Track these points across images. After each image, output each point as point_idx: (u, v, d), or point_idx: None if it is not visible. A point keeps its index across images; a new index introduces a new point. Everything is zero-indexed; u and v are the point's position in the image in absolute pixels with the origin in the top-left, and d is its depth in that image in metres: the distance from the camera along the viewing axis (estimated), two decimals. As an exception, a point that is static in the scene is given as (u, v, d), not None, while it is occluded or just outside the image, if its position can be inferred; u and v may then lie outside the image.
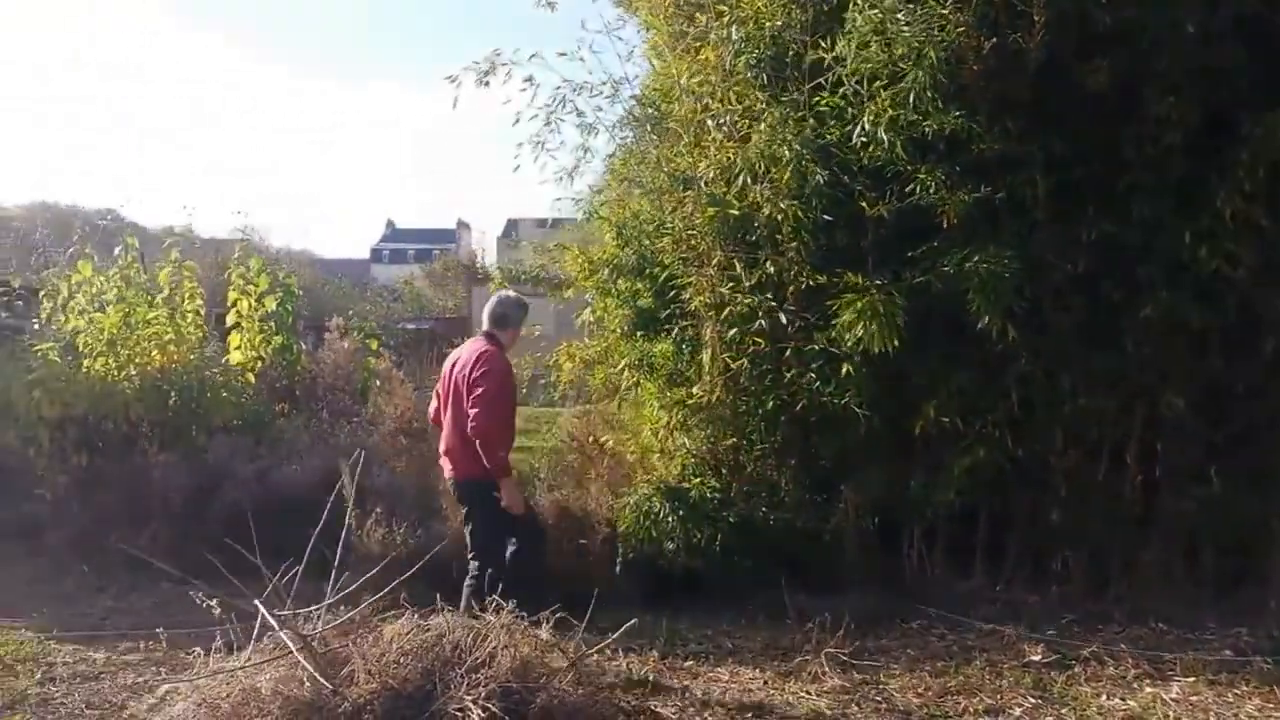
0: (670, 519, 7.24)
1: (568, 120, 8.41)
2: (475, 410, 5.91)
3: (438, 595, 5.12)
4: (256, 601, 4.36)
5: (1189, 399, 6.65)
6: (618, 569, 7.50)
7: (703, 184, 7.45)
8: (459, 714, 3.60)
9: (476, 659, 3.82)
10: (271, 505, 8.09)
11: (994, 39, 6.42)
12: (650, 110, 8.33)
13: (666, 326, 8.03)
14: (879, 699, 5.69)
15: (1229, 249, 6.33)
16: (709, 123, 7.41)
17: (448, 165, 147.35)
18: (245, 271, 9.92)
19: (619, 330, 8.38)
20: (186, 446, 8.66)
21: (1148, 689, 5.76)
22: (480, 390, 5.92)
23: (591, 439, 9.13)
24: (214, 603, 4.70)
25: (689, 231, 7.55)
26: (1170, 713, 5.42)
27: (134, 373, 8.95)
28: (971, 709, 5.55)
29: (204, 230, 20.40)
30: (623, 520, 7.37)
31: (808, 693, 5.74)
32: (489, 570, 5.93)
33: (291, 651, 3.81)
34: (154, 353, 9.05)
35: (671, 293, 7.84)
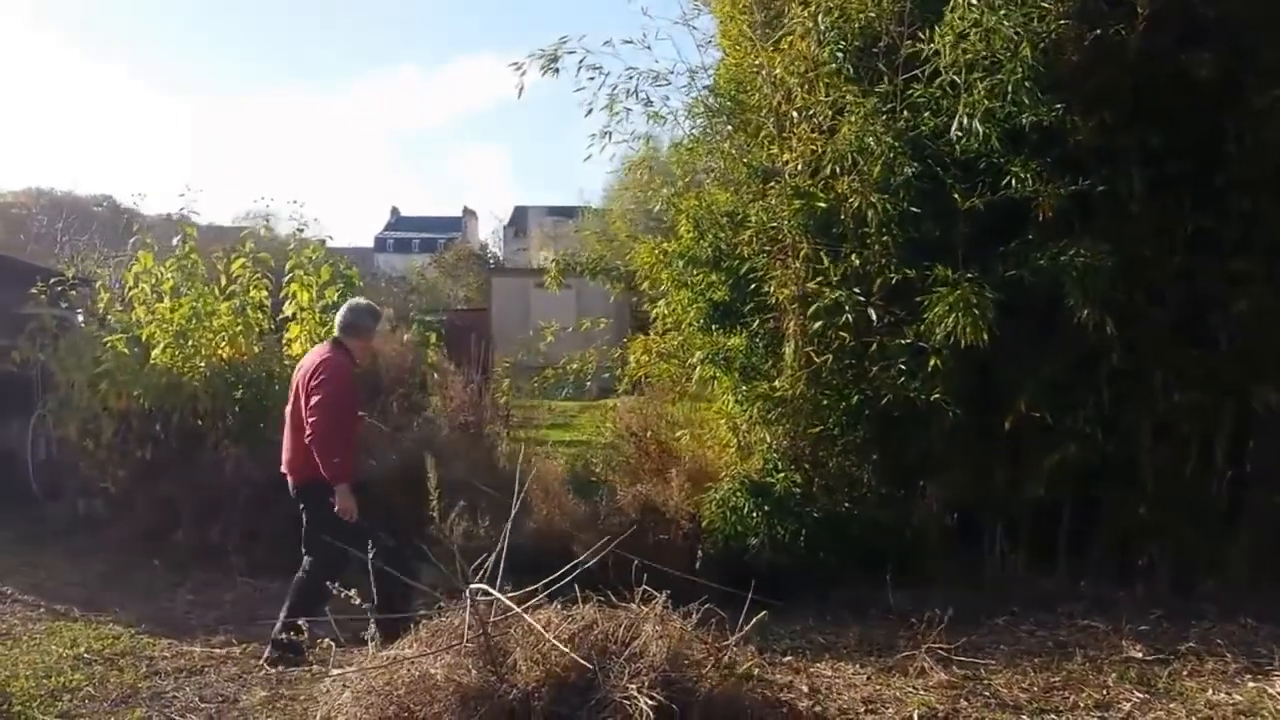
0: (755, 514, 7.21)
1: (635, 110, 8.60)
2: (313, 419, 5.95)
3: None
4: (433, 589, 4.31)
5: (1282, 394, 6.61)
6: (697, 564, 7.48)
7: (787, 176, 7.42)
8: (626, 703, 3.58)
9: (632, 649, 3.80)
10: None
11: (1095, 30, 6.36)
12: (726, 101, 8.29)
13: (743, 320, 7.99)
14: (987, 694, 5.65)
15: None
16: (794, 114, 7.36)
17: (451, 154, 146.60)
18: (305, 262, 9.87)
19: (694, 323, 8.33)
20: (254, 439, 8.60)
21: (1250, 684, 5.72)
22: (318, 398, 5.94)
23: (649, 433, 9.13)
24: (353, 593, 4.65)
25: (772, 224, 7.50)
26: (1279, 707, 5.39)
27: (201, 365, 8.90)
28: (1080, 704, 5.52)
29: (204, 218, 20.25)
30: (706, 515, 7.34)
31: (914, 688, 5.71)
32: (319, 572, 5.86)
33: (459, 640, 3.78)
34: (222, 344, 9.00)
35: (750, 286, 7.80)
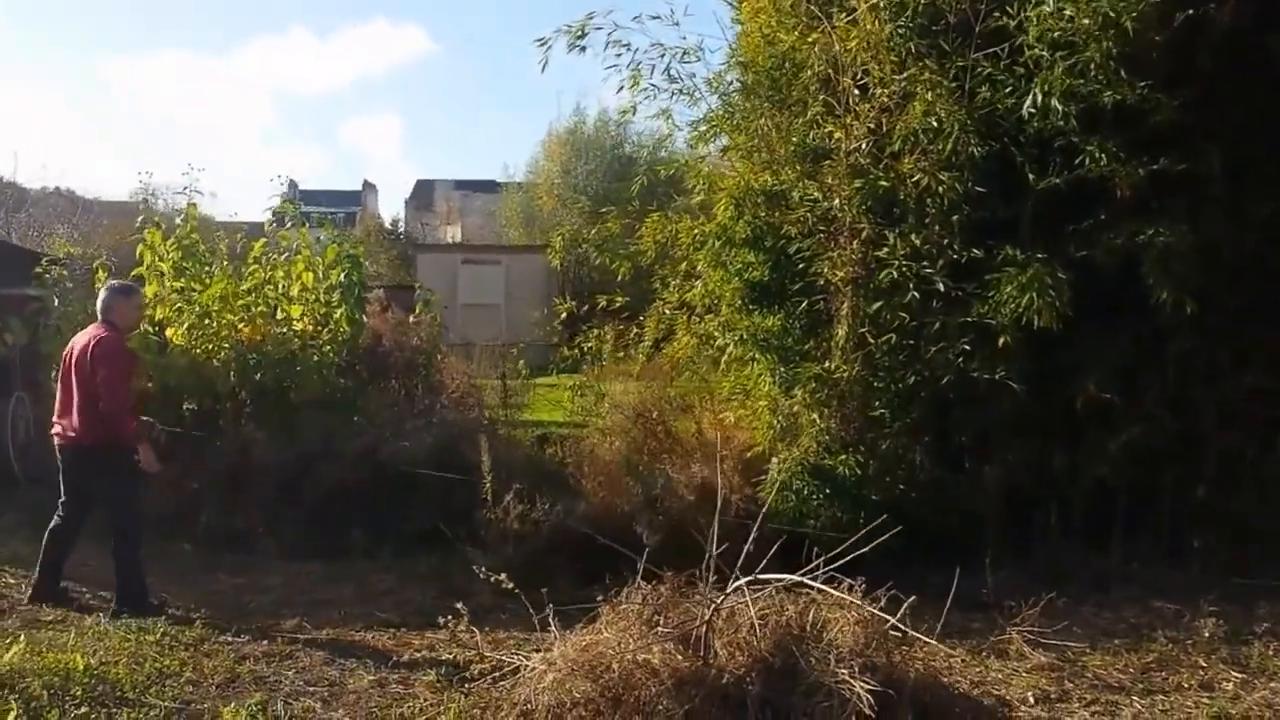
0: (816, 497, 7.08)
1: (662, 86, 8.45)
2: (105, 392, 6.40)
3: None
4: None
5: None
6: (750, 546, 7.31)
7: (843, 154, 7.28)
8: (840, 688, 3.42)
9: (826, 636, 3.64)
10: (379, 483, 7.85)
11: (1188, 9, 6.32)
12: (762, 77, 8.13)
13: (784, 301, 7.84)
14: (1088, 676, 5.62)
15: None
16: (855, 91, 7.22)
17: (345, 123, 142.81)
18: (309, 242, 9.51)
19: (731, 304, 8.15)
20: (278, 422, 8.26)
21: (1336, 663, 5.76)
22: (104, 373, 6.40)
23: (657, 415, 8.97)
24: (503, 577, 4.41)
25: (827, 204, 7.36)
26: (1376, 685, 5.41)
27: (226, 345, 8.52)
28: (1183, 684, 5.51)
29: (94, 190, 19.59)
30: (768, 497, 7.17)
31: (1015, 670, 5.63)
32: (121, 524, 6.51)
33: (679, 625, 3.59)
34: (243, 326, 8.62)
35: (798, 266, 7.65)
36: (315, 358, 8.86)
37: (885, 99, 7.08)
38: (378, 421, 8.40)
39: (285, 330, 8.99)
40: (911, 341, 7.29)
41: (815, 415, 7.63)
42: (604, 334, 9.62)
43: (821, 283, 7.53)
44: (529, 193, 35.76)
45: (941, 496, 7.35)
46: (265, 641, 5.86)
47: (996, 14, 6.70)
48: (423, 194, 69.62)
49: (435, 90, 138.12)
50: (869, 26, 7.09)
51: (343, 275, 9.53)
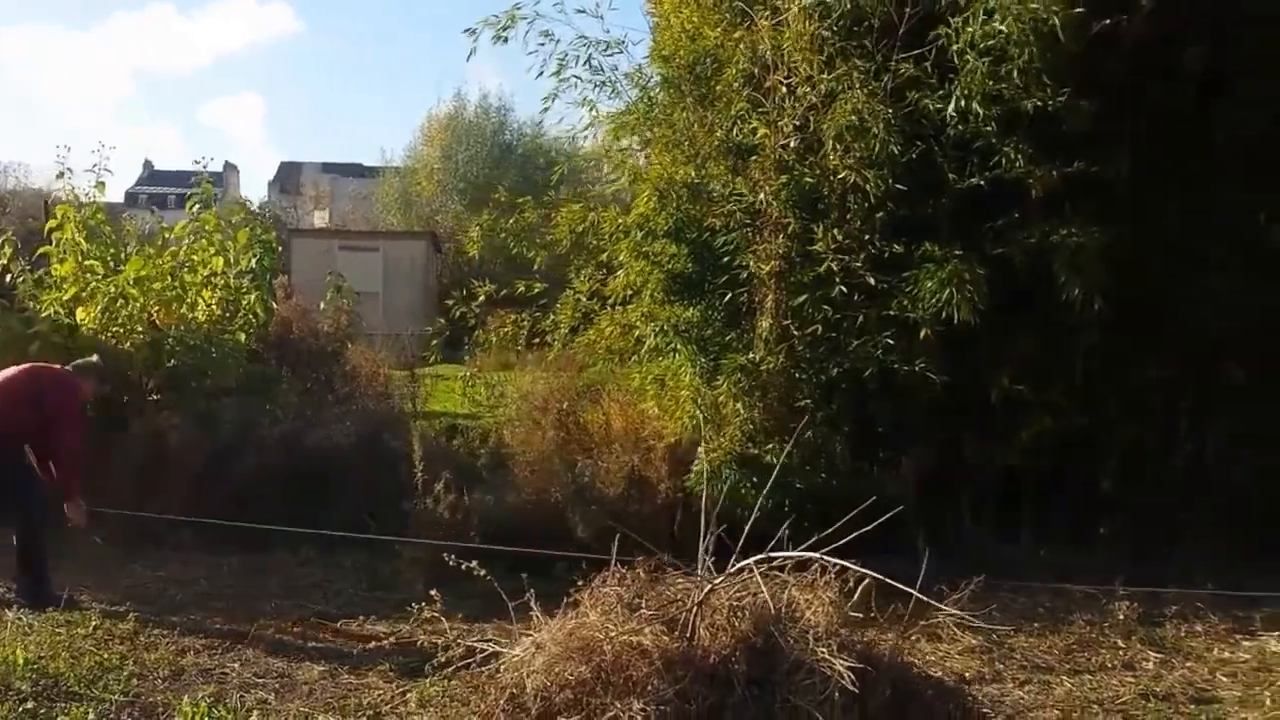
0: (744, 485, 7.16)
1: (585, 78, 8.49)
2: (67, 431, 6.34)
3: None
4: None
5: (1249, 371, 7.06)
6: (674, 534, 7.36)
7: (769, 150, 7.38)
8: (820, 665, 3.49)
9: (802, 617, 3.72)
10: (300, 473, 7.65)
11: (1105, 20, 6.60)
12: (685, 73, 8.20)
13: (706, 293, 7.92)
14: (1018, 657, 5.83)
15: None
16: (783, 89, 7.33)
17: (204, 103, 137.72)
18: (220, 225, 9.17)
19: (653, 295, 8.18)
20: (194, 410, 7.96)
21: (1246, 642, 6.11)
22: (66, 413, 6.35)
23: (565, 406, 8.97)
24: (475, 564, 4.37)
25: (753, 198, 7.45)
26: (1283, 660, 5.75)
27: (139, 330, 8.15)
28: (1106, 664, 5.77)
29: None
30: (695, 485, 7.24)
31: (947, 652, 5.80)
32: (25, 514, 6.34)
33: (666, 609, 3.60)
34: (156, 310, 8.26)
35: (719, 258, 7.73)
36: (230, 344, 8.56)
37: (813, 97, 7.20)
38: (294, 410, 8.16)
39: (197, 316, 8.65)
40: (834, 334, 7.46)
41: (740, 405, 7.72)
42: (521, 321, 9.50)
43: (745, 275, 7.63)
44: (407, 178, 35.33)
45: (861, 485, 7.50)
46: (202, 635, 5.72)
47: (921, 17, 6.89)
48: (288, 176, 67.50)
49: (300, 70, 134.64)
50: (798, 27, 7.20)
51: (254, 260, 9.25)
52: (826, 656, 3.57)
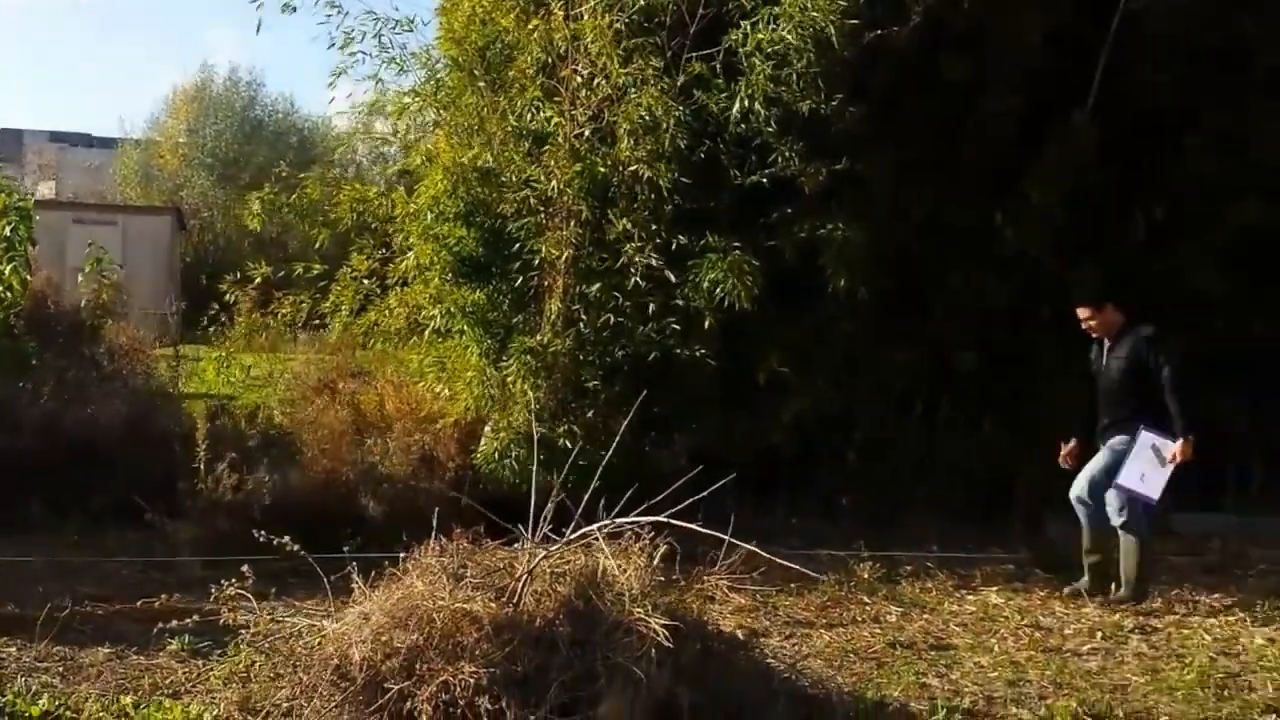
0: (533, 463, 7.46)
1: (372, 54, 8.54)
2: None
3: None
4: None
5: (979, 357, 8.01)
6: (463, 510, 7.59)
7: (563, 139, 7.69)
8: (636, 624, 3.86)
9: (616, 581, 4.08)
10: (61, 453, 7.36)
11: (876, 30, 7.28)
12: (475, 57, 8.37)
13: (496, 276, 8.15)
14: (781, 614, 6.45)
15: (1031, 231, 7.73)
16: (577, 80, 7.64)
17: None
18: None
19: (441, 277, 8.33)
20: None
21: (970, 597, 6.97)
22: None
23: (341, 387, 9.06)
24: (287, 540, 4.45)
25: (546, 185, 7.72)
26: (1007, 611, 6.64)
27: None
28: (857, 618, 6.45)
29: None
30: (483, 463, 7.49)
31: (721, 611, 6.34)
32: None
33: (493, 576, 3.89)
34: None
35: (510, 243, 7.97)
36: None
37: (608, 89, 7.55)
38: (52, 388, 7.77)
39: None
40: (621, 320, 7.86)
41: (526, 386, 8.02)
42: (299, 302, 9.36)
43: (536, 260, 7.89)
44: (149, 150, 33.51)
45: (641, 462, 7.98)
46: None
47: (712, 19, 7.37)
48: (7, 144, 62.10)
49: (15, 29, 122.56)
50: (593, 20, 7.52)
51: (9, 229, 8.67)
52: (642, 616, 3.92)
